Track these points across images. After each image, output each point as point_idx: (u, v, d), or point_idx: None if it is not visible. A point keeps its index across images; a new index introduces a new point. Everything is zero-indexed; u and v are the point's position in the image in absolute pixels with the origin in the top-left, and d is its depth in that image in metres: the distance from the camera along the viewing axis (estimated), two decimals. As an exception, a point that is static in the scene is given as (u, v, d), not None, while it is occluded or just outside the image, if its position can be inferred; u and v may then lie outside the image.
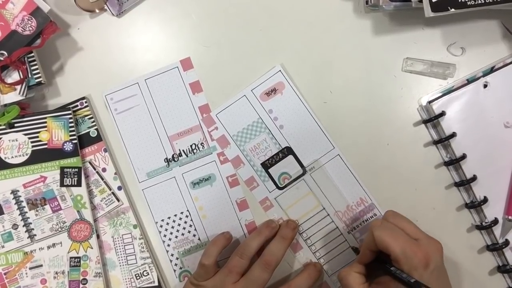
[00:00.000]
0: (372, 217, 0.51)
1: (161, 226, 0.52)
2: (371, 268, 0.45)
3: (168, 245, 0.52)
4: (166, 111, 0.52)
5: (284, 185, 0.51)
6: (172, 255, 0.52)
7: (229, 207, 0.52)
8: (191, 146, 0.52)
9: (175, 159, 0.52)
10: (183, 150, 0.52)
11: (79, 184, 0.51)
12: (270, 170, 0.51)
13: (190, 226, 0.52)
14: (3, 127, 0.50)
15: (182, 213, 0.52)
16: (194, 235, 0.52)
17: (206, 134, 0.51)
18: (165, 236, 0.52)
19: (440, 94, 0.50)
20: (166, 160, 0.52)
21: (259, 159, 0.51)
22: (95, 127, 0.52)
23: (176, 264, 0.52)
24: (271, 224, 0.50)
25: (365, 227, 0.51)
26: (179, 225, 0.52)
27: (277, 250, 0.47)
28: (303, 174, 0.51)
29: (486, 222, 0.49)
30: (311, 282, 0.48)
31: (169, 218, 0.52)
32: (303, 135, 0.51)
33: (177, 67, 0.52)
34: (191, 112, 0.52)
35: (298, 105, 0.51)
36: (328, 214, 0.51)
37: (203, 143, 0.52)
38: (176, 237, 0.52)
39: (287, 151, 0.51)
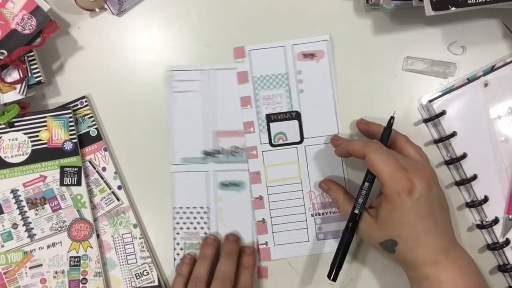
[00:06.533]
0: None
1: (177, 212, 0.52)
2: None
3: (178, 233, 0.51)
4: (221, 106, 0.52)
5: (277, 144, 0.51)
6: (178, 244, 0.51)
7: (247, 224, 0.51)
8: (233, 148, 0.52)
9: (214, 155, 0.51)
10: (224, 149, 0.52)
11: (79, 183, 0.51)
12: (271, 124, 0.51)
13: (205, 223, 0.52)
14: (3, 126, 0.50)
15: (202, 207, 0.52)
16: (205, 233, 0.51)
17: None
18: (177, 223, 0.51)
19: (441, 93, 0.50)
20: (204, 153, 0.52)
21: (266, 109, 0.51)
22: (95, 126, 0.52)
23: (175, 259, 0.51)
24: (207, 241, 0.50)
25: (328, 218, 0.51)
26: (195, 218, 0.52)
27: (226, 267, 0.47)
28: (299, 143, 0.51)
29: (486, 221, 0.49)
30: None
31: (187, 208, 0.52)
32: (317, 108, 0.51)
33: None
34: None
35: (327, 79, 0.51)
36: (302, 189, 0.51)
37: (245, 149, 0.52)
38: (188, 228, 0.51)
39: (295, 116, 0.51)
